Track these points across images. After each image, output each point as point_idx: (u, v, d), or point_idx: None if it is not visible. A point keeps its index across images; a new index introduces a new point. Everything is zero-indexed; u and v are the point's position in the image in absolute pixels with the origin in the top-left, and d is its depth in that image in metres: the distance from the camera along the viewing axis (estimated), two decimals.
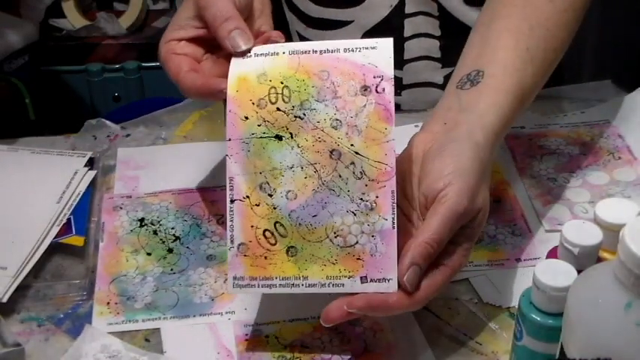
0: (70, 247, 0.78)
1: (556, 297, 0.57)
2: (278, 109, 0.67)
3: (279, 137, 0.67)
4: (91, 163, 0.89)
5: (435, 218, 0.63)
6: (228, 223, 0.66)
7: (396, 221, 0.64)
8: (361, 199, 0.65)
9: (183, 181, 0.88)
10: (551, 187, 0.86)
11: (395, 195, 0.64)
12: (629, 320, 0.48)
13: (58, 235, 0.79)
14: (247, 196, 0.66)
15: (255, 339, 0.70)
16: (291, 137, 0.66)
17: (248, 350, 0.69)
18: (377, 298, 0.64)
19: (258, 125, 0.67)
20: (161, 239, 0.80)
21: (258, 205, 0.66)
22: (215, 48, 0.74)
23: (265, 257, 0.66)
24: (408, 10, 0.95)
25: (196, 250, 0.79)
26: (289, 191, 0.66)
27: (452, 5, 0.95)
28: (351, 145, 0.66)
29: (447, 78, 1.00)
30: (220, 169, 0.89)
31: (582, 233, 0.61)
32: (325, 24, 0.97)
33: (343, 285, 0.65)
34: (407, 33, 0.96)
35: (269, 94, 0.67)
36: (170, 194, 0.86)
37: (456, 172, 0.64)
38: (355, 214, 0.65)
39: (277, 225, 0.66)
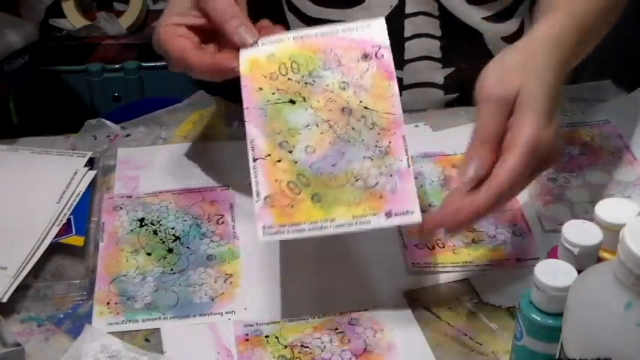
0: (70, 247, 0.78)
1: (556, 297, 0.57)
2: (289, 79, 0.73)
3: (292, 101, 0.72)
4: (91, 163, 0.89)
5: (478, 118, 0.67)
6: (253, 180, 0.69)
7: (410, 161, 0.69)
8: (375, 145, 0.70)
9: (183, 181, 0.88)
10: (551, 187, 0.86)
11: (406, 139, 0.69)
12: (629, 320, 0.48)
13: (58, 235, 0.79)
14: (269, 155, 0.70)
15: (255, 339, 0.70)
16: (304, 100, 0.72)
17: (248, 350, 0.69)
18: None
19: (272, 93, 0.73)
20: (161, 239, 0.80)
21: (279, 162, 0.70)
22: (213, 38, 0.77)
23: (292, 206, 0.68)
24: (408, 10, 0.95)
25: (196, 250, 0.79)
26: (307, 146, 0.70)
27: (452, 5, 0.95)
28: (360, 101, 0.71)
29: (447, 78, 1.00)
30: (220, 168, 0.89)
31: (582, 233, 0.60)
32: (325, 24, 0.97)
33: (369, 222, 0.67)
34: (407, 33, 0.96)
35: (279, 68, 0.73)
36: (170, 194, 0.86)
37: (493, 66, 0.70)
38: (372, 159, 0.69)
39: (299, 176, 0.69)
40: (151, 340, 0.70)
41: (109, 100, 1.70)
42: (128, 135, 0.95)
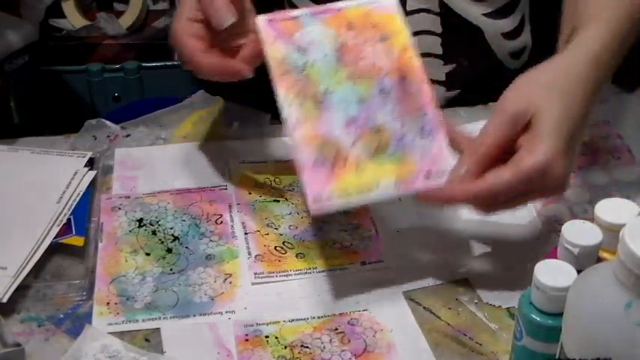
0: (70, 247, 0.78)
1: (556, 297, 0.57)
2: (273, 187, 0.87)
3: (277, 200, 0.85)
4: (91, 164, 0.89)
5: (487, 123, 0.68)
6: (244, 245, 0.80)
7: (377, 229, 0.80)
8: (348, 223, 0.82)
9: (182, 181, 0.88)
10: None
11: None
12: (629, 320, 0.48)
13: (58, 235, 0.79)
14: (258, 230, 0.82)
15: (255, 339, 0.70)
16: (286, 200, 0.85)
17: (248, 350, 0.69)
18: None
19: (260, 196, 0.85)
20: (160, 239, 0.80)
21: (267, 234, 0.81)
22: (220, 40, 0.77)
23: (279, 260, 0.78)
24: (409, 7, 0.95)
25: (195, 249, 0.79)
26: (290, 225, 0.82)
27: (453, 1, 0.95)
28: None
29: (448, 75, 1.00)
30: (219, 169, 0.89)
31: (582, 233, 0.60)
32: None
33: (348, 268, 0.77)
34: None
35: (265, 181, 0.87)
36: (168, 194, 0.86)
37: (521, 81, 0.69)
38: (346, 231, 0.82)
39: (285, 243, 0.80)
40: (150, 340, 0.70)
41: (109, 100, 1.70)
42: (128, 135, 0.95)
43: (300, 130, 0.72)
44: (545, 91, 0.67)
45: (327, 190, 0.70)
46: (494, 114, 0.68)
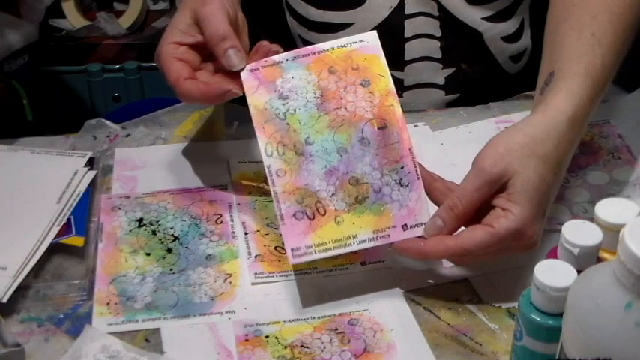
0: (70, 247, 0.78)
1: (556, 297, 0.57)
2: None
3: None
4: (91, 164, 0.89)
5: (464, 180, 0.71)
6: (244, 245, 0.79)
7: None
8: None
9: (182, 181, 0.88)
10: None
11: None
12: (629, 320, 0.48)
13: (58, 235, 0.79)
14: (257, 230, 0.81)
15: (255, 339, 0.70)
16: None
17: (248, 350, 0.69)
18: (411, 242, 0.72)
19: (259, 196, 0.85)
20: (160, 239, 0.80)
21: (267, 234, 0.81)
22: (212, 56, 0.77)
23: (279, 260, 0.77)
24: (408, 10, 0.95)
25: (195, 249, 0.79)
26: None
27: (452, 5, 0.95)
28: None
29: (448, 78, 1.00)
30: (219, 169, 0.89)
31: (582, 233, 0.60)
32: (326, 27, 0.97)
33: (347, 269, 0.77)
34: (407, 34, 0.96)
35: (265, 181, 0.81)
36: (168, 194, 0.86)
37: (499, 140, 0.71)
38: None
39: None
40: (150, 340, 0.70)
41: (109, 100, 1.70)
42: (128, 135, 0.95)
43: (280, 182, 0.73)
44: (523, 157, 0.69)
45: (306, 242, 0.72)
46: (473, 174, 0.70)
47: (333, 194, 0.73)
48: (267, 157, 0.73)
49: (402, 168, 0.74)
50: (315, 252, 0.72)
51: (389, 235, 0.73)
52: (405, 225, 0.73)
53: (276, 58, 0.77)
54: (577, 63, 0.74)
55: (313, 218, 0.72)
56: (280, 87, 0.75)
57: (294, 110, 0.75)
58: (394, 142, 0.74)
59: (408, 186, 0.74)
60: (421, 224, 0.73)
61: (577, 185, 0.86)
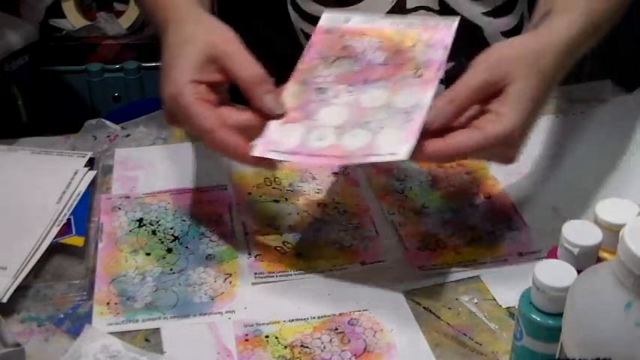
0: (70, 247, 0.78)
1: (556, 297, 0.57)
2: (273, 188, 0.87)
3: (276, 201, 0.85)
4: (91, 164, 0.89)
5: (466, 75, 0.72)
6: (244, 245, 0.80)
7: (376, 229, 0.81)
8: (348, 223, 0.83)
9: (182, 181, 0.88)
10: None
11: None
12: (629, 320, 0.48)
13: (58, 235, 0.79)
14: (258, 230, 0.82)
15: (255, 339, 0.70)
16: (286, 200, 0.85)
17: (248, 350, 0.69)
18: None
19: (260, 196, 0.86)
20: (160, 239, 0.80)
21: (267, 234, 0.82)
22: (222, 92, 0.73)
23: (279, 260, 0.78)
24: (409, 5, 0.95)
25: (195, 249, 0.79)
26: (290, 226, 0.82)
27: None
28: (333, 199, 0.85)
29: (449, 72, 1.00)
30: (218, 169, 0.89)
31: (582, 233, 0.60)
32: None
33: (347, 269, 0.77)
34: None
35: (264, 181, 0.88)
36: (168, 194, 0.86)
37: (502, 45, 0.73)
38: (346, 231, 0.82)
39: (285, 243, 0.80)
40: (150, 340, 0.70)
41: (109, 100, 1.70)
42: (128, 135, 0.95)
43: None
44: (525, 66, 0.70)
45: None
46: (474, 71, 0.71)
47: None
48: None
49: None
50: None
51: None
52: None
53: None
54: (573, 4, 0.76)
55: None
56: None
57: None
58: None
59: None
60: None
61: None
